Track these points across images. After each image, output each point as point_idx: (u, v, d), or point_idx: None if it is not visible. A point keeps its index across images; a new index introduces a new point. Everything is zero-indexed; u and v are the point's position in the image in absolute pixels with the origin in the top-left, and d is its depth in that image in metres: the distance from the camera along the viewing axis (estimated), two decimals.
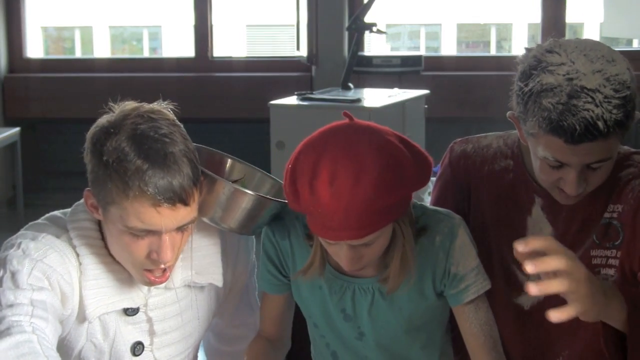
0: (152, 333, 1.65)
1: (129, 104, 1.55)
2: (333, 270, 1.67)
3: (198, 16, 6.21)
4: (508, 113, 1.58)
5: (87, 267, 1.56)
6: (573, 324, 1.60)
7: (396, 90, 4.61)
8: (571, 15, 6.09)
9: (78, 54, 11.55)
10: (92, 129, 1.53)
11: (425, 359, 1.75)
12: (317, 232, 1.51)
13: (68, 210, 1.64)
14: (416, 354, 1.73)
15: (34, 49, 6.68)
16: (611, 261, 1.58)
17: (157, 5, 11.27)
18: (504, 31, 11.92)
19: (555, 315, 1.29)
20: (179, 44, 10.30)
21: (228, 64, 6.34)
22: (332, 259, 1.63)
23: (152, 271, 1.54)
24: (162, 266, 1.53)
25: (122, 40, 12.45)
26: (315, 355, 1.83)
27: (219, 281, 1.70)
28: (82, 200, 1.61)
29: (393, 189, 1.45)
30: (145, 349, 1.65)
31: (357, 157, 1.44)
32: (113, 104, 1.56)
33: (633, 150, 1.65)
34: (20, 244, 1.54)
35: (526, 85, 1.46)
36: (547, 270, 1.29)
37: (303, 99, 4.40)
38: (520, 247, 1.28)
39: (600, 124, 1.41)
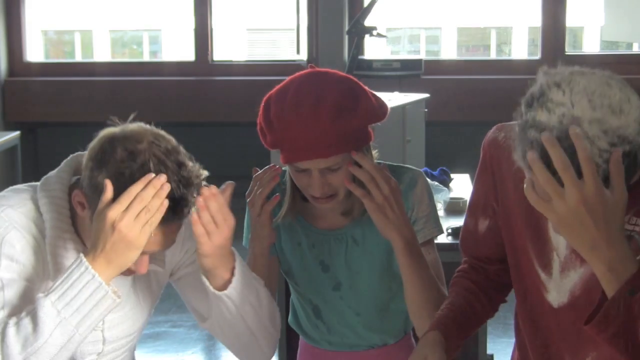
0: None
1: (133, 126, 1.60)
2: (311, 227, 1.89)
3: (198, 20, 6.21)
4: None
5: (55, 230, 1.63)
6: None
7: (396, 94, 4.60)
8: (571, 19, 6.09)
9: (78, 57, 11.55)
10: (101, 142, 1.58)
11: (400, 309, 1.88)
12: (289, 158, 1.73)
13: (34, 183, 1.72)
14: (391, 303, 1.90)
15: (34, 52, 6.68)
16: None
17: (158, 9, 11.27)
18: (504, 35, 11.92)
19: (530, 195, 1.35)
20: (179, 48, 10.30)
21: (228, 67, 6.35)
22: (307, 214, 1.87)
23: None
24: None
25: (123, 44, 12.45)
26: (300, 317, 2.00)
27: (161, 265, 1.76)
28: (52, 173, 1.69)
29: (350, 114, 1.69)
30: (95, 328, 1.69)
31: (318, 86, 1.71)
32: (116, 121, 1.62)
33: None
34: None
35: (525, 114, 1.40)
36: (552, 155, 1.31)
37: None
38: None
39: None
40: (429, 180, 1.98)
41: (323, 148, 1.69)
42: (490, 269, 1.80)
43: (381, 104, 1.80)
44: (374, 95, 1.80)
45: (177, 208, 1.54)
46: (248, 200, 1.84)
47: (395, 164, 1.91)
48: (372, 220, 1.74)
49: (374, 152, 1.85)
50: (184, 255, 1.83)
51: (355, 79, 1.80)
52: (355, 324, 1.93)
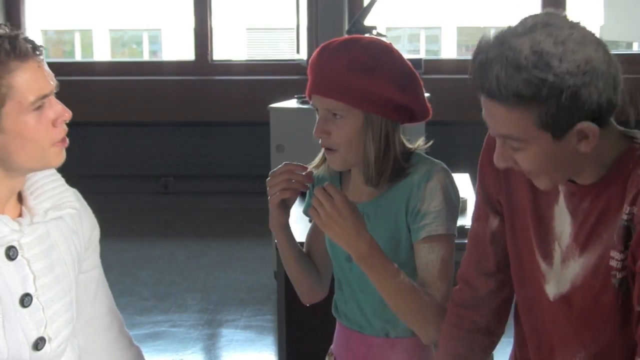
0: (34, 277, 1.69)
1: None
2: None
3: (198, 19, 6.22)
4: None
5: None
6: (595, 323, 1.58)
7: None
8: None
9: (78, 57, 11.58)
10: None
11: None
12: (307, 92, 1.89)
13: None
14: None
15: None
16: (625, 263, 1.52)
17: (157, 8, 11.28)
18: None
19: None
20: (179, 47, 10.31)
21: (228, 67, 6.35)
22: (344, 184, 1.96)
23: (61, 141, 1.65)
24: (65, 128, 1.64)
25: (122, 43, 12.47)
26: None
27: (75, 206, 1.75)
28: None
29: (363, 72, 1.80)
30: (32, 297, 1.68)
31: (352, 42, 1.85)
32: None
33: None
34: None
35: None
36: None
37: (303, 102, 4.41)
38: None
39: (493, 81, 1.46)
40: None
41: (325, 88, 1.82)
42: (483, 289, 1.78)
43: (415, 98, 1.91)
44: (412, 75, 1.89)
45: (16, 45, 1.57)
46: (268, 180, 1.90)
47: (425, 155, 1.96)
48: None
49: (420, 141, 1.96)
50: (87, 253, 1.82)
51: (401, 55, 1.88)
52: (362, 302, 1.96)
